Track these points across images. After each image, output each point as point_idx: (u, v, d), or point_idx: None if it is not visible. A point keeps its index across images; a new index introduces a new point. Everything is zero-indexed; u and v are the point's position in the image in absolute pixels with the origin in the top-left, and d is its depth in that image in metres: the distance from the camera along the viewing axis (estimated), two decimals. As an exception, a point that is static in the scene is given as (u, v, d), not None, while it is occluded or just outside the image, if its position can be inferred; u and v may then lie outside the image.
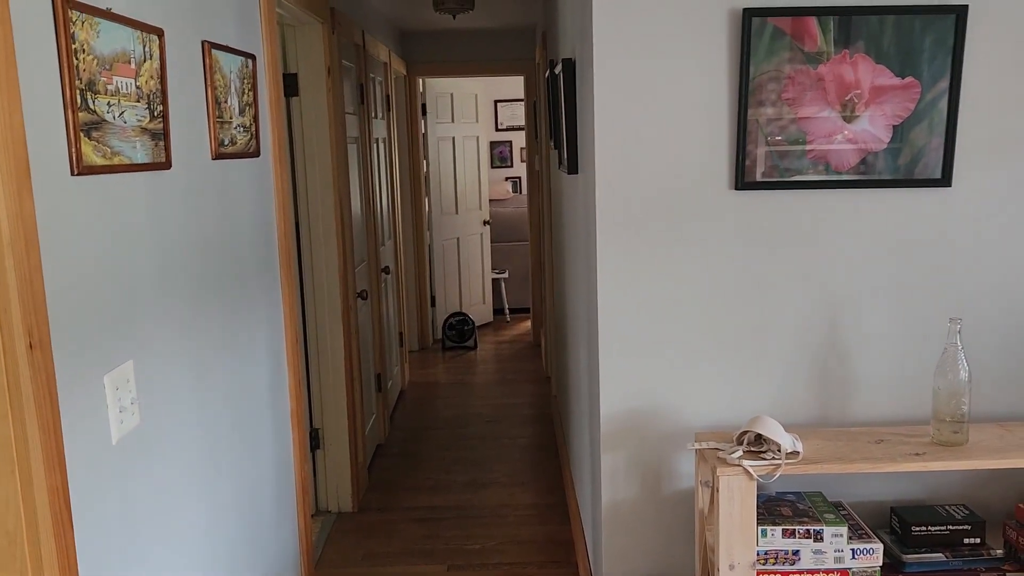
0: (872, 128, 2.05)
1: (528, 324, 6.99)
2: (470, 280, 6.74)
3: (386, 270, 4.63)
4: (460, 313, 6.33)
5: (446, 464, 4.03)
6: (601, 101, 2.05)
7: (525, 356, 6.07)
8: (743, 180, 2.06)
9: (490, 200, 7.86)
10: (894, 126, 2.04)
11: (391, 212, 5.04)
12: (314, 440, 3.42)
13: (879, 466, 1.83)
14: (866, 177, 2.06)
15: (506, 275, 7.24)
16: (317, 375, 3.39)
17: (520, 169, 9.25)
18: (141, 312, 1.54)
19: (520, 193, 9.13)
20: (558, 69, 2.96)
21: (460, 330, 6.29)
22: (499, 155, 9.23)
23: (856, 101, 2.03)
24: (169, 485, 1.66)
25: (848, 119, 2.04)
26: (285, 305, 2.51)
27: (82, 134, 1.32)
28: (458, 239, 6.60)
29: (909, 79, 2.02)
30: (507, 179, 9.26)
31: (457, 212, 6.58)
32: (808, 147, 2.05)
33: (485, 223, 6.90)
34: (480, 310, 6.86)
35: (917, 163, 2.05)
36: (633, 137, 2.05)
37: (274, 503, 2.37)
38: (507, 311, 7.27)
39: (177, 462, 1.70)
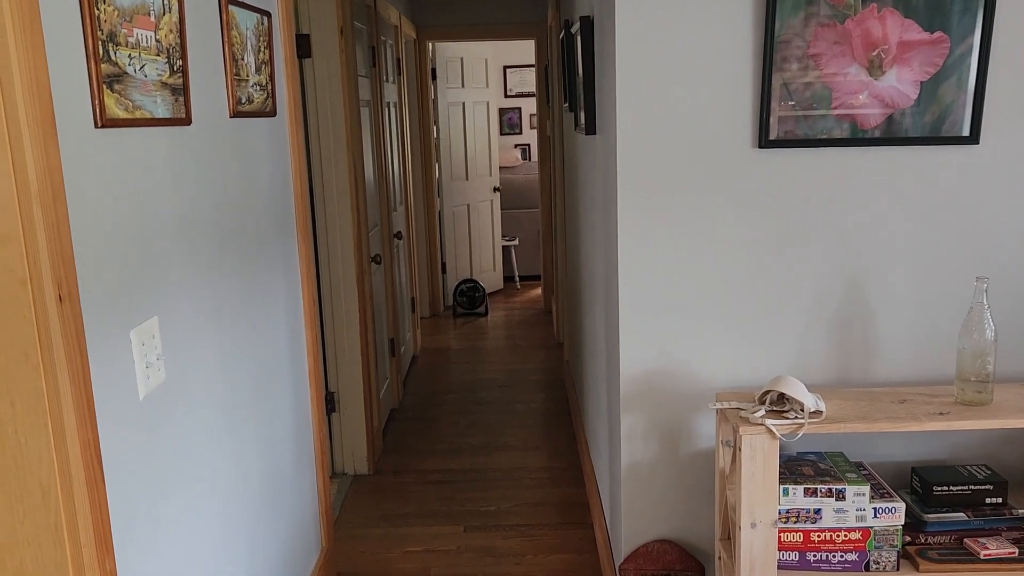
0: (899, 85, 2.01)
1: (539, 291, 6.98)
2: (480, 247, 6.72)
3: (398, 235, 4.62)
4: (471, 280, 6.33)
5: (460, 428, 4.05)
6: (622, 58, 2.02)
7: (536, 323, 6.07)
8: (766, 138, 2.03)
9: (500, 167, 7.81)
10: (921, 82, 2.01)
11: (402, 177, 5.01)
12: (330, 403, 3.44)
13: (903, 425, 1.82)
14: (892, 135, 2.03)
15: (516, 242, 7.22)
16: (332, 338, 3.40)
17: (529, 136, 9.19)
18: (164, 268, 1.53)
19: (529, 160, 9.07)
20: (575, 28, 2.92)
21: (471, 297, 6.29)
22: (508, 121, 9.16)
23: (883, 57, 2.00)
24: (192, 443, 1.66)
25: (875, 75, 2.00)
26: (302, 266, 2.50)
27: (105, 86, 1.31)
28: (468, 206, 6.57)
29: (938, 34, 1.98)
30: (516, 146, 9.20)
31: (467, 178, 6.54)
32: (833, 104, 2.01)
33: (495, 190, 6.86)
34: (490, 277, 6.85)
35: (944, 120, 2.02)
36: (654, 94, 2.02)
37: (294, 462, 2.39)
38: (517, 278, 7.26)
39: (200, 420, 1.70)
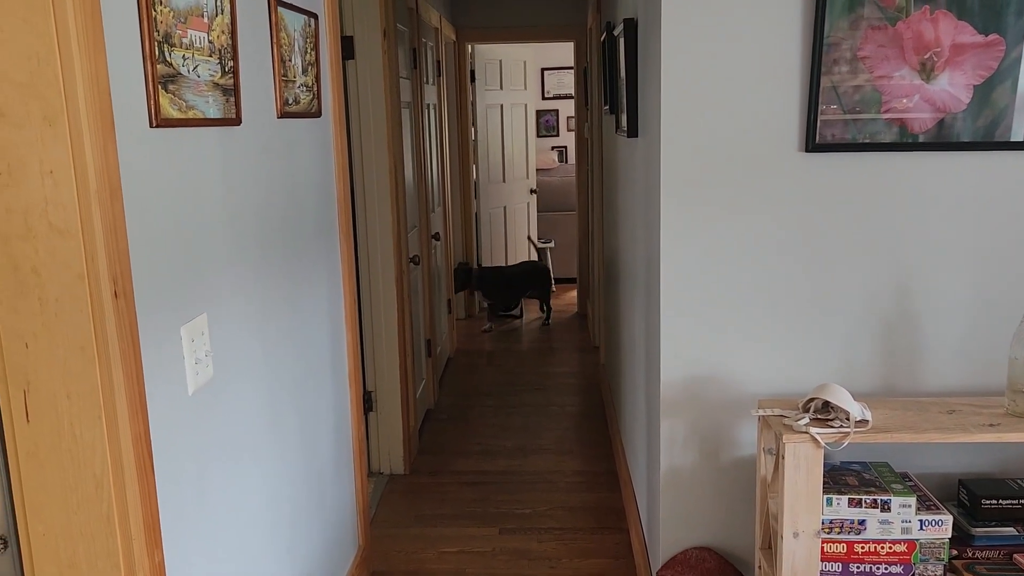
0: (951, 88, 1.97)
1: (574, 294, 6.96)
2: (516, 249, 6.73)
3: (436, 236, 4.64)
4: (506, 282, 6.32)
5: (495, 430, 4.05)
6: (667, 61, 2.00)
7: (571, 326, 6.06)
8: (814, 142, 2.01)
9: (536, 169, 7.81)
10: (974, 86, 1.97)
11: (441, 179, 5.03)
12: (367, 402, 3.46)
13: (951, 436, 1.78)
14: (943, 140, 1.99)
15: (552, 244, 7.21)
16: (370, 338, 3.42)
17: (566, 138, 9.17)
18: (213, 266, 1.56)
19: (566, 162, 9.06)
20: (617, 31, 2.91)
21: (506, 299, 6.28)
22: (545, 124, 9.16)
23: (935, 60, 1.96)
24: (237, 439, 1.68)
25: (926, 79, 1.97)
26: (343, 266, 2.52)
27: (160, 87, 1.33)
28: (505, 208, 6.58)
29: (993, 36, 1.93)
30: (553, 148, 9.19)
31: (504, 181, 6.55)
32: (883, 108, 1.98)
33: (532, 192, 6.86)
34: (526, 279, 6.85)
35: (998, 125, 1.98)
36: (700, 97, 2.01)
37: (333, 461, 2.41)
38: (553, 281, 7.24)
39: (245, 417, 1.73)
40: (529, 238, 6.51)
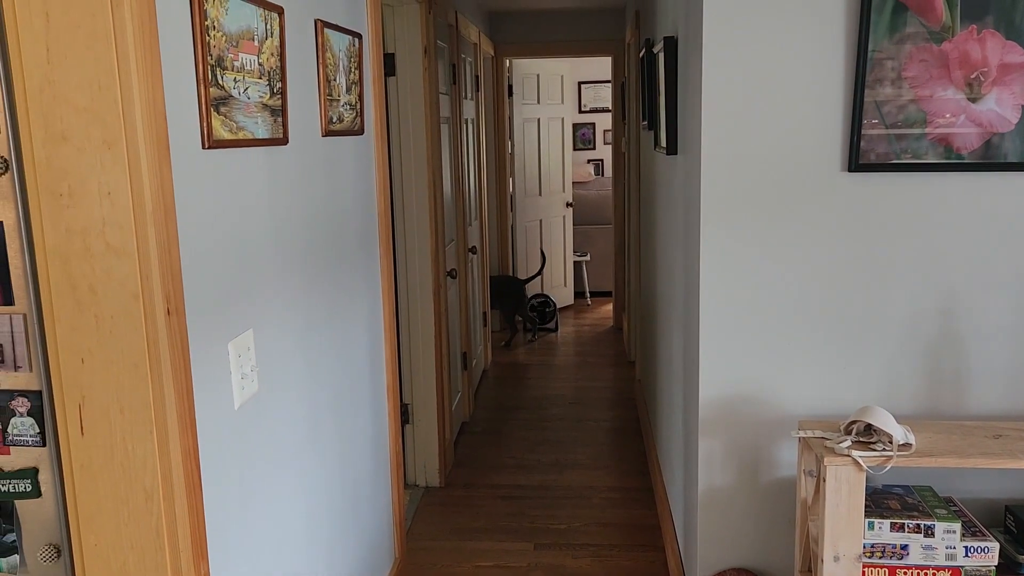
0: (999, 108, 1.94)
1: (609, 307, 6.95)
2: (552, 262, 6.73)
3: (473, 250, 4.66)
4: (542, 295, 6.33)
5: (529, 444, 4.05)
6: (708, 80, 2.01)
7: (606, 340, 6.04)
8: (857, 162, 1.99)
9: (572, 182, 7.82)
10: (1022, 106, 1.94)
11: (478, 193, 5.06)
12: (404, 415, 3.48)
13: (998, 462, 1.75)
14: (990, 160, 1.97)
15: (587, 258, 7.21)
16: (408, 351, 3.45)
17: (602, 151, 9.17)
18: (259, 283, 1.59)
19: (602, 176, 9.05)
20: (657, 48, 2.91)
21: (542, 312, 6.29)
22: (582, 137, 9.17)
23: (982, 80, 1.93)
24: (281, 452, 1.71)
25: (973, 99, 1.94)
26: (383, 280, 2.55)
27: (212, 109, 1.37)
28: (541, 221, 6.60)
29: (1042, 56, 1.91)
30: (589, 161, 9.19)
31: (540, 194, 6.57)
32: (928, 128, 1.96)
33: (568, 205, 6.87)
34: (561, 292, 6.85)
35: (1047, 145, 1.94)
36: (741, 116, 2.01)
37: (371, 473, 2.43)
38: (588, 294, 7.24)
39: (288, 430, 1.75)
40: (541, 250, 6.51)
